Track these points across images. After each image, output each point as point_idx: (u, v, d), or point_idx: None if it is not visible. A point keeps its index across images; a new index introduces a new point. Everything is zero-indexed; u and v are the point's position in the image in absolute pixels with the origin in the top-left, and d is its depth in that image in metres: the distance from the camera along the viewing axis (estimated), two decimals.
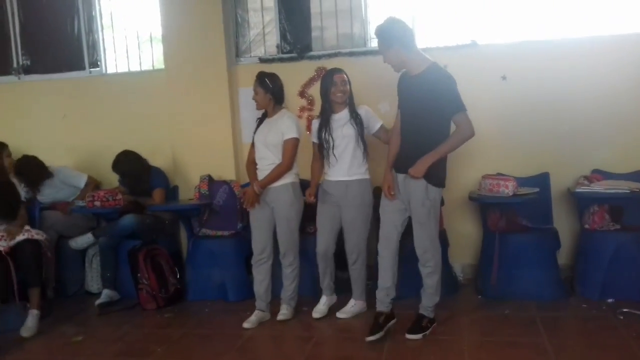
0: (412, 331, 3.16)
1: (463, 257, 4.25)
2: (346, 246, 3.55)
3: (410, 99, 3.09)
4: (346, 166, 3.47)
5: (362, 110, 3.54)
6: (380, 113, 4.08)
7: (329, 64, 4.26)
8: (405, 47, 3.02)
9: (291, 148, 3.49)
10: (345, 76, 3.49)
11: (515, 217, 3.82)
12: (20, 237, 3.71)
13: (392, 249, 3.19)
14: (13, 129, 4.82)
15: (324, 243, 3.54)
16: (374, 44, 4.36)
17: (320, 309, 3.60)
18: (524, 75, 4.10)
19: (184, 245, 4.46)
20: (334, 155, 3.47)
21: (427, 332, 3.18)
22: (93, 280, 4.39)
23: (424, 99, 2.99)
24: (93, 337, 3.54)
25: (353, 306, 3.57)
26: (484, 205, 3.90)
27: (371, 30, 4.36)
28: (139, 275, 3.94)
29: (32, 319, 3.56)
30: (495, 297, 3.67)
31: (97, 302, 4.04)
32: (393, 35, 3.02)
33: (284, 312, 3.56)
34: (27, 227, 3.84)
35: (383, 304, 3.21)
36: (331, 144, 3.47)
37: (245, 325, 3.47)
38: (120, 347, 3.34)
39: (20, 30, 4.98)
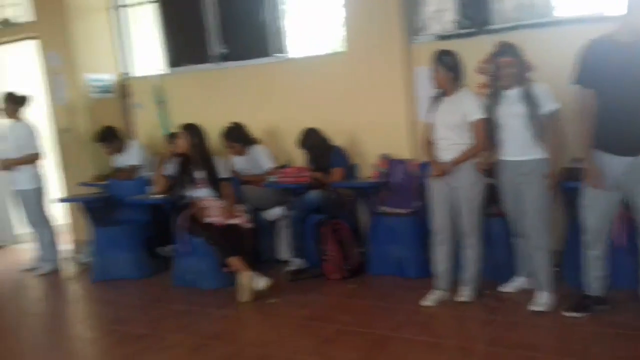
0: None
1: None
2: (525, 231, 3.45)
3: (629, 68, 2.86)
4: (518, 145, 3.36)
5: (539, 88, 3.35)
6: (568, 88, 3.85)
7: (509, 37, 4.08)
8: None
9: (482, 128, 3.45)
10: (511, 59, 3.32)
11: None
12: (232, 220, 4.26)
13: (603, 239, 3.12)
14: (213, 112, 5.40)
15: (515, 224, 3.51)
16: (558, 13, 4.10)
17: (510, 286, 3.62)
18: None
19: (363, 221, 4.69)
20: (505, 134, 3.39)
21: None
22: (282, 249, 4.85)
23: None
24: (285, 300, 3.94)
25: (545, 298, 3.37)
26: None
27: None
28: (324, 247, 4.28)
29: (244, 278, 4.00)
30: None
31: (287, 269, 4.47)
32: None
33: (465, 294, 3.59)
34: (239, 209, 4.37)
35: (595, 287, 3.17)
36: (500, 123, 3.39)
37: (424, 302, 3.60)
38: (309, 312, 3.69)
39: (219, 21, 5.54)
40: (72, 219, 5.98)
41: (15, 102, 5.03)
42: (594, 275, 3.20)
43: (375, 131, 4.67)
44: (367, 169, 4.65)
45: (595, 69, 2.96)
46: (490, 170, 3.53)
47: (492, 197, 3.63)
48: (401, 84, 4.58)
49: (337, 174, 4.57)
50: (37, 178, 5.13)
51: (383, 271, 4.23)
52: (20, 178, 5.06)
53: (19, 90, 5.15)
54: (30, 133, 5.04)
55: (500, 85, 3.40)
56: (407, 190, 4.35)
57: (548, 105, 3.33)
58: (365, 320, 3.50)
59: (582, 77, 3.03)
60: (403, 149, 4.59)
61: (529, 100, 3.31)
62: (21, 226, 6.03)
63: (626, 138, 2.92)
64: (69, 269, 5.25)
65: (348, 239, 4.36)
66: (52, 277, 5.06)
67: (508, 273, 3.73)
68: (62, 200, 5.42)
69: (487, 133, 3.45)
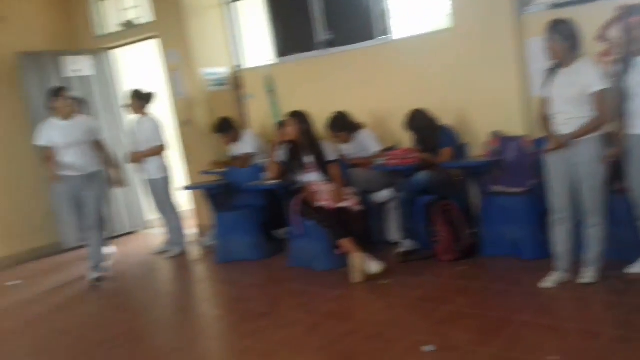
0: None
1: None
2: None
3: None
4: None
5: None
6: None
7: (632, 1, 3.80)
8: None
9: (605, 100, 3.24)
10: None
11: None
12: (343, 204, 4.37)
13: None
14: (320, 98, 5.50)
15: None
16: None
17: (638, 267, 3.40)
18: None
19: (475, 202, 4.59)
20: (635, 106, 3.15)
21: None
22: (392, 230, 4.88)
23: None
24: (397, 281, 3.98)
25: None
26: None
27: None
28: (434, 228, 4.25)
29: (356, 259, 4.09)
30: None
31: (399, 250, 4.49)
32: None
33: (588, 275, 3.41)
34: (348, 192, 4.47)
35: None
36: (630, 93, 3.14)
37: (543, 284, 3.47)
38: (422, 293, 3.70)
39: (324, 8, 5.61)
40: (196, 205, 6.42)
41: (141, 99, 5.47)
42: None
43: (486, 108, 4.54)
44: (478, 148, 4.54)
45: None
46: (618, 145, 3.30)
47: (616, 173, 3.41)
48: (512, 58, 4.40)
49: (445, 154, 4.50)
50: (164, 168, 5.56)
51: (497, 252, 4.13)
52: (149, 168, 5.51)
53: (144, 88, 5.58)
54: (155, 127, 5.46)
55: (630, 50, 3.15)
56: (522, 168, 4.19)
57: None
58: (480, 302, 3.46)
59: None
60: (516, 126, 4.42)
61: None
62: (151, 213, 6.57)
63: None
64: (194, 252, 5.66)
65: (459, 220, 4.29)
66: (180, 260, 5.49)
67: (635, 254, 3.50)
68: (186, 188, 5.82)
69: (611, 104, 3.23)
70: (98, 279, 4.86)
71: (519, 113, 4.43)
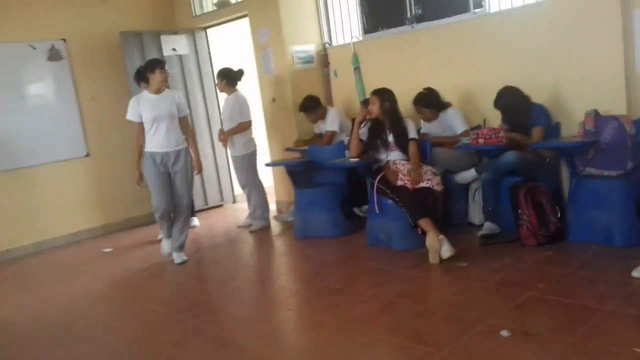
0: None
1: None
2: None
3: None
4: None
5: None
6: None
7: None
8: None
9: None
10: None
11: None
12: (422, 184, 4.29)
13: None
14: (409, 73, 5.42)
15: None
16: None
17: None
18: None
19: (565, 184, 4.33)
20: None
21: None
22: (475, 212, 4.72)
23: None
24: (476, 264, 3.86)
25: None
26: None
27: None
28: (519, 211, 4.05)
29: (431, 239, 4.00)
30: None
31: (480, 233, 4.34)
32: None
33: None
34: (427, 170, 4.37)
35: None
36: None
37: (635, 274, 3.23)
38: (502, 277, 3.56)
39: None
40: (277, 181, 6.57)
41: (227, 77, 5.64)
42: None
43: (584, 85, 4.25)
44: (573, 128, 4.25)
45: None
46: None
47: None
48: (617, 30, 4.07)
49: (537, 133, 4.27)
50: (251, 144, 5.72)
51: (585, 238, 3.87)
52: (235, 145, 5.69)
53: (232, 66, 5.75)
54: (241, 104, 5.61)
55: None
56: (620, 149, 3.88)
57: None
58: (564, 288, 3.27)
59: None
60: (619, 104, 4.10)
61: None
62: (238, 188, 6.80)
63: None
64: (276, 227, 5.80)
65: (547, 203, 4.06)
66: (263, 234, 5.66)
67: None
68: (268, 164, 5.96)
69: None
70: (182, 262, 4.89)
71: (621, 90, 4.10)
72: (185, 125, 4.84)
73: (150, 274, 4.87)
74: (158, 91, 4.70)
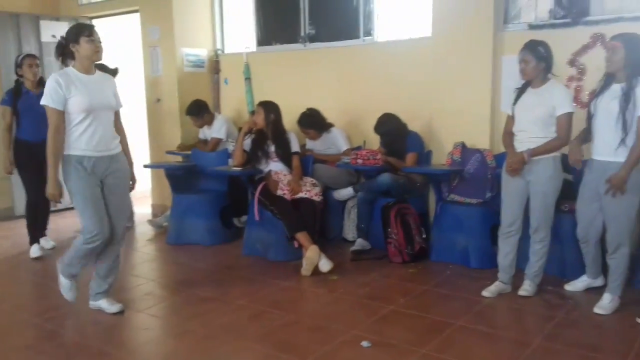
0: None
1: None
2: (606, 235, 3.27)
3: None
4: (602, 145, 3.18)
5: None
6: None
7: (608, 30, 3.89)
8: None
9: (569, 123, 3.31)
10: (620, 43, 3.09)
11: None
12: (301, 195, 4.37)
13: None
14: (297, 89, 5.53)
15: (581, 229, 3.39)
16: None
17: (575, 285, 3.53)
18: None
19: (432, 208, 4.64)
20: (594, 130, 3.21)
21: None
22: (349, 229, 4.90)
23: None
24: (345, 278, 4.00)
25: (611, 301, 3.25)
26: None
27: None
28: (389, 229, 4.28)
29: (313, 253, 4.06)
30: None
31: (352, 248, 4.53)
32: None
33: (527, 288, 3.51)
34: (307, 182, 4.48)
35: None
36: (592, 116, 3.22)
37: (485, 293, 3.54)
38: (368, 292, 3.72)
39: (309, 3, 5.61)
40: (156, 184, 6.37)
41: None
42: None
43: (455, 119, 4.59)
44: (443, 157, 4.58)
45: None
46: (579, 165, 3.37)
47: (565, 194, 3.49)
48: (487, 73, 4.46)
49: (410, 158, 4.55)
50: None
51: (445, 258, 4.20)
52: None
53: (113, 62, 5.43)
54: None
55: (606, 72, 3.21)
56: (481, 180, 4.25)
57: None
58: (423, 304, 3.50)
59: None
60: (483, 139, 4.49)
61: (627, 97, 3.07)
62: None
63: None
64: (149, 231, 5.60)
65: (414, 224, 4.33)
66: (135, 237, 5.42)
67: (574, 271, 3.63)
68: (147, 166, 5.74)
69: (571, 127, 3.32)
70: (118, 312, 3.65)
71: (486, 126, 4.49)
72: (119, 122, 3.53)
73: (2, 272, 4.47)
74: (88, 70, 3.28)
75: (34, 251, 4.77)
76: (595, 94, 3.26)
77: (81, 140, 3.22)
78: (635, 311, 3.17)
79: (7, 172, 4.70)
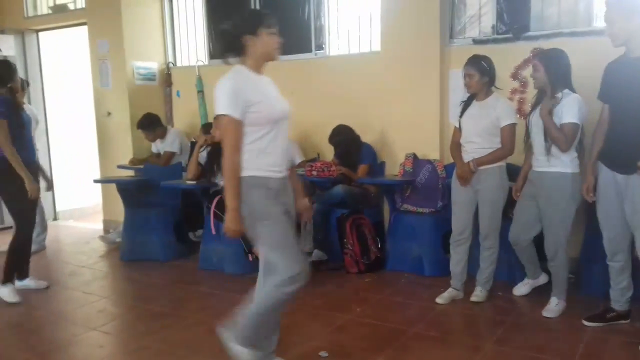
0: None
1: None
2: (544, 243, 3.42)
3: (629, 84, 2.82)
4: (537, 156, 3.35)
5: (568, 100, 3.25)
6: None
7: (548, 44, 4.09)
8: (639, 21, 2.73)
9: (512, 133, 3.46)
10: (538, 63, 3.29)
11: None
12: None
13: (625, 251, 3.06)
14: None
15: (513, 233, 3.53)
16: (599, 23, 4.06)
17: (520, 289, 3.67)
18: None
19: (387, 218, 4.73)
20: (532, 143, 3.40)
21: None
22: (306, 240, 4.92)
23: None
24: (303, 289, 3.99)
25: (557, 304, 3.41)
26: None
27: (597, 8, 4.07)
28: (345, 240, 4.34)
29: None
30: None
31: (309, 260, 4.55)
32: (634, 4, 2.73)
33: (478, 294, 3.63)
34: None
35: (619, 302, 3.15)
36: (530, 131, 3.40)
37: (438, 300, 3.64)
38: (324, 302, 3.76)
39: None
40: (108, 200, 6.23)
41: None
42: (617, 287, 3.17)
43: (406, 131, 4.71)
44: (396, 168, 4.69)
45: (608, 82, 2.96)
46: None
47: (512, 202, 3.63)
48: (435, 86, 4.59)
49: (362, 170, 4.64)
50: None
51: (400, 267, 4.29)
52: None
53: (59, 76, 5.25)
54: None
55: (536, 89, 3.39)
56: (432, 190, 4.37)
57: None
58: (378, 312, 3.56)
59: (601, 91, 3.04)
60: (433, 150, 4.61)
61: (550, 110, 3.23)
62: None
63: (618, 154, 2.89)
64: (101, 248, 5.48)
65: (369, 234, 4.41)
66: (81, 254, 5.28)
67: (523, 276, 3.76)
68: (97, 181, 5.63)
69: (515, 138, 3.49)
70: None
71: (436, 138, 4.62)
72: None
73: None
74: (261, 71, 2.59)
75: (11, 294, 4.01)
76: (530, 110, 3.43)
77: (266, 158, 2.49)
78: (581, 314, 3.31)
79: (35, 196, 3.94)
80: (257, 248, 2.57)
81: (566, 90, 3.24)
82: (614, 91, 2.94)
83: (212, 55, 6.01)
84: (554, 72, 3.23)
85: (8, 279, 4.01)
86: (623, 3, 2.76)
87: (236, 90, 2.39)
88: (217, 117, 4.63)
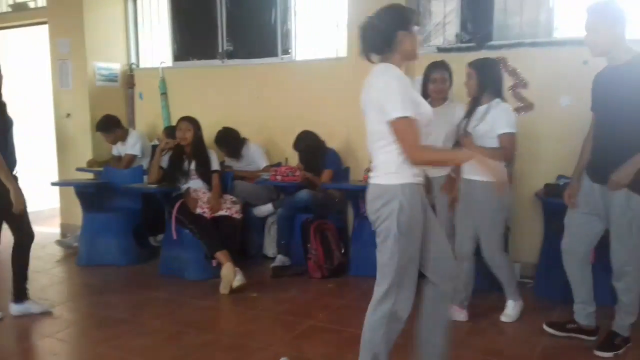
0: (603, 348, 2.95)
1: None
2: (481, 251, 3.38)
3: (610, 94, 2.78)
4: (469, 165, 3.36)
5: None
6: (561, 107, 3.93)
7: (510, 54, 4.18)
8: (621, 30, 2.70)
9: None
10: (471, 70, 3.29)
11: None
12: (221, 212, 4.33)
13: (578, 263, 3.04)
14: (215, 106, 5.49)
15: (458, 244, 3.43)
16: (559, 33, 4.16)
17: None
18: None
19: (351, 223, 4.73)
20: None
21: (620, 351, 2.93)
22: (270, 245, 4.89)
23: (629, 93, 2.66)
24: (265, 295, 3.98)
25: (514, 308, 3.44)
26: None
27: (557, 19, 4.18)
28: (309, 245, 4.32)
29: (227, 270, 4.01)
30: None
31: (272, 265, 4.51)
32: (617, 13, 2.71)
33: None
34: (227, 199, 4.45)
35: (580, 316, 3.12)
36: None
37: None
38: (287, 308, 3.73)
39: (227, 19, 5.61)
40: (65, 203, 6.06)
41: None
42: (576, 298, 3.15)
43: None
44: (360, 173, 4.69)
45: (594, 93, 2.96)
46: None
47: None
48: None
49: (326, 175, 4.63)
50: None
51: (364, 272, 4.24)
52: None
53: (18, 76, 5.12)
54: None
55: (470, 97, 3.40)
56: None
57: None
58: (340, 318, 3.54)
59: (591, 102, 2.99)
60: None
61: (483, 118, 3.26)
62: None
63: (598, 164, 2.90)
64: (58, 252, 5.31)
65: (332, 239, 4.40)
66: (44, 258, 5.11)
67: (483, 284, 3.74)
68: (55, 184, 5.47)
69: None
70: None
71: None
72: None
73: None
74: (402, 68, 2.34)
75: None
76: (463, 118, 3.37)
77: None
78: (538, 317, 3.36)
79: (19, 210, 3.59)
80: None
81: (497, 100, 3.26)
82: (598, 102, 2.92)
83: (177, 57, 5.93)
84: (486, 80, 3.25)
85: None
86: (608, 11, 2.73)
87: (405, 90, 2.19)
88: (185, 120, 4.53)
